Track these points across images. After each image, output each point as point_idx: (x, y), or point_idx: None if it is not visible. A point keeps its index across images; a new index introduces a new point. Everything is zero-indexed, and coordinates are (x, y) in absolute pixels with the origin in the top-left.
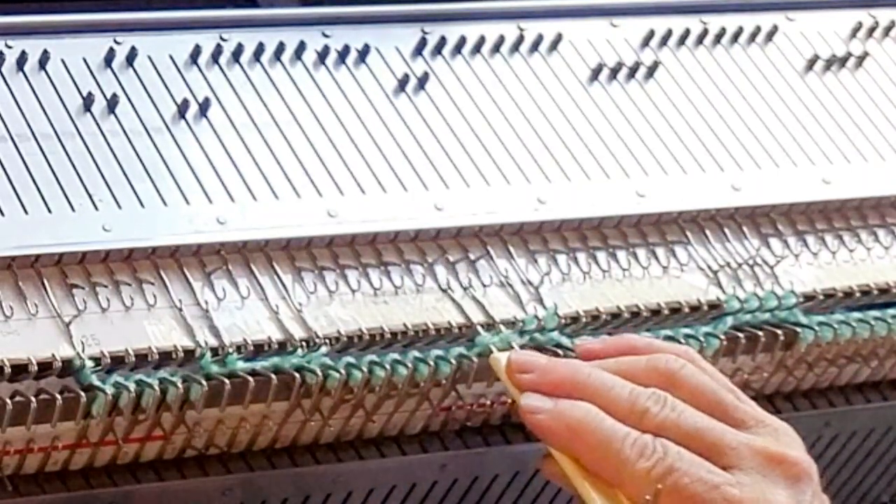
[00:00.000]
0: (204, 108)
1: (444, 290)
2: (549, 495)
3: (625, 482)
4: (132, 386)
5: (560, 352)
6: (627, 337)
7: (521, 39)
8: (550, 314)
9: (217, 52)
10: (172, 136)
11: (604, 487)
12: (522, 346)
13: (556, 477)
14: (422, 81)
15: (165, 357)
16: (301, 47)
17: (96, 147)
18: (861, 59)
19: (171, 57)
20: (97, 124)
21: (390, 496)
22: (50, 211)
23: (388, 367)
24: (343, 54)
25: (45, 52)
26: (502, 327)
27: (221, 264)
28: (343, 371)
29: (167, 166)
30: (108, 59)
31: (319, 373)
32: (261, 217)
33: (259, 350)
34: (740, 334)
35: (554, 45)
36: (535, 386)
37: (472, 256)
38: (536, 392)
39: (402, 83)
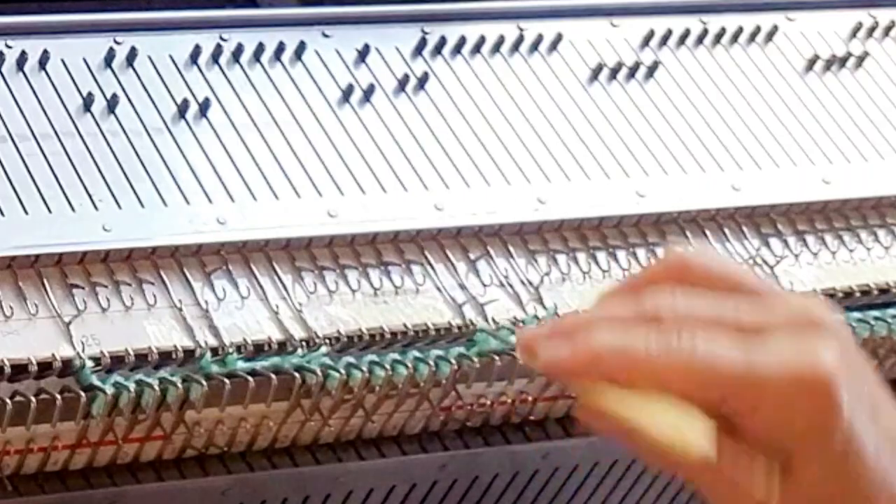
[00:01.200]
0: (204, 108)
1: (444, 291)
2: (549, 495)
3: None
4: (132, 386)
5: None
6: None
7: (521, 39)
8: (550, 314)
9: (217, 52)
10: (172, 136)
11: (646, 400)
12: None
13: (596, 416)
14: (422, 81)
15: (165, 357)
16: (301, 47)
17: (96, 147)
18: (861, 59)
19: (171, 57)
20: (97, 124)
21: (390, 496)
22: (50, 211)
23: (388, 367)
24: (343, 54)
25: (45, 52)
26: (502, 327)
27: (221, 264)
28: (343, 371)
29: (167, 166)
30: (108, 59)
31: (319, 373)
32: (261, 217)
33: (259, 350)
34: None
35: (554, 45)
36: (545, 341)
37: (472, 256)
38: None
39: (402, 83)
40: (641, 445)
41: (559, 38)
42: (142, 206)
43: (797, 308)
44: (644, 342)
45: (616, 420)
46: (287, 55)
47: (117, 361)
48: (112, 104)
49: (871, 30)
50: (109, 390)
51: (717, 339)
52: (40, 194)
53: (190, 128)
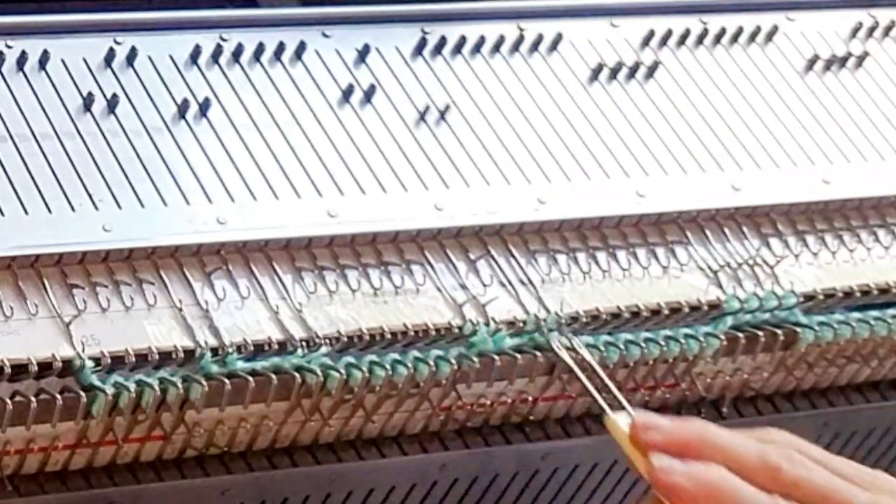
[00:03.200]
0: (204, 108)
1: (444, 291)
2: (550, 495)
3: None
4: (132, 386)
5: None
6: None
7: (521, 39)
8: (552, 315)
9: (217, 52)
10: (172, 136)
11: None
12: (522, 347)
13: None
14: (422, 82)
15: (165, 357)
16: (301, 47)
17: (96, 147)
18: (861, 59)
19: (171, 57)
20: (97, 124)
21: (390, 496)
22: (50, 211)
23: (388, 367)
24: (343, 54)
25: (45, 52)
26: (502, 327)
27: (221, 264)
28: (343, 371)
29: (167, 166)
30: (108, 59)
31: (319, 373)
32: (261, 217)
33: (259, 350)
34: (740, 334)
35: (554, 45)
36: (662, 446)
37: (472, 256)
38: (664, 452)
39: (402, 83)
40: None
41: (559, 38)
42: (142, 206)
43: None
44: (756, 499)
45: None
46: (287, 55)
47: (117, 361)
48: (112, 104)
49: (871, 30)
50: (109, 390)
51: None
52: (40, 194)
53: (190, 128)
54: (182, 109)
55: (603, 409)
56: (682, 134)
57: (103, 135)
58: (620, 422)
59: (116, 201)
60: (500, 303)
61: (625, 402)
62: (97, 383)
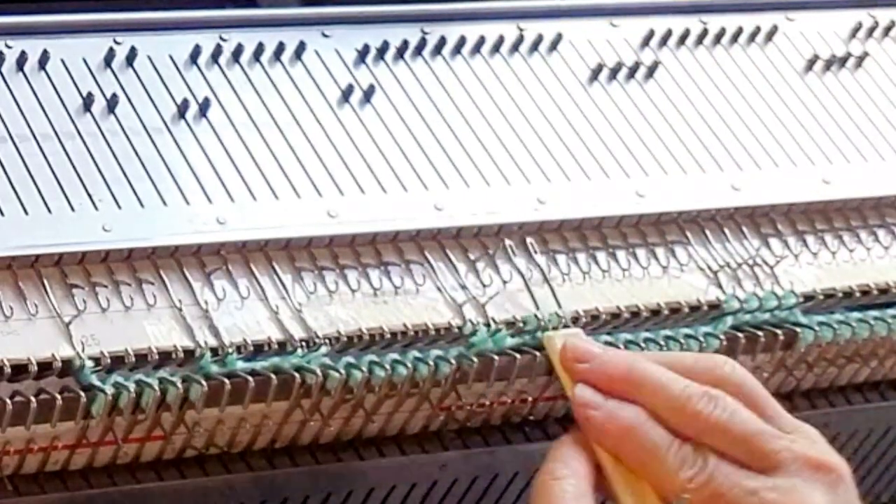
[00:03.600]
0: (204, 108)
1: (444, 291)
2: None
3: (664, 486)
4: (132, 386)
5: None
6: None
7: (521, 39)
8: (552, 314)
9: (217, 52)
10: (172, 136)
11: (631, 478)
12: (521, 347)
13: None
14: (421, 81)
15: (165, 357)
16: (301, 47)
17: (96, 147)
18: (861, 59)
19: (171, 57)
20: (97, 124)
21: (390, 496)
22: (50, 211)
23: (388, 367)
24: (343, 54)
25: (45, 52)
26: (502, 327)
27: (221, 264)
28: (343, 371)
29: (167, 166)
30: (108, 59)
31: (319, 373)
32: (261, 217)
33: (259, 350)
34: (740, 334)
35: (554, 45)
36: (589, 376)
37: (472, 256)
38: (588, 383)
39: (402, 83)
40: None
41: (559, 38)
42: (142, 206)
43: (811, 453)
44: (667, 450)
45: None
46: (287, 55)
47: (117, 361)
48: (112, 104)
49: (871, 30)
50: (109, 390)
51: (732, 473)
52: (40, 194)
53: (190, 128)
54: (182, 109)
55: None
56: (682, 134)
57: (103, 135)
58: (557, 342)
59: (116, 201)
60: (500, 303)
61: (600, 350)
62: (97, 383)
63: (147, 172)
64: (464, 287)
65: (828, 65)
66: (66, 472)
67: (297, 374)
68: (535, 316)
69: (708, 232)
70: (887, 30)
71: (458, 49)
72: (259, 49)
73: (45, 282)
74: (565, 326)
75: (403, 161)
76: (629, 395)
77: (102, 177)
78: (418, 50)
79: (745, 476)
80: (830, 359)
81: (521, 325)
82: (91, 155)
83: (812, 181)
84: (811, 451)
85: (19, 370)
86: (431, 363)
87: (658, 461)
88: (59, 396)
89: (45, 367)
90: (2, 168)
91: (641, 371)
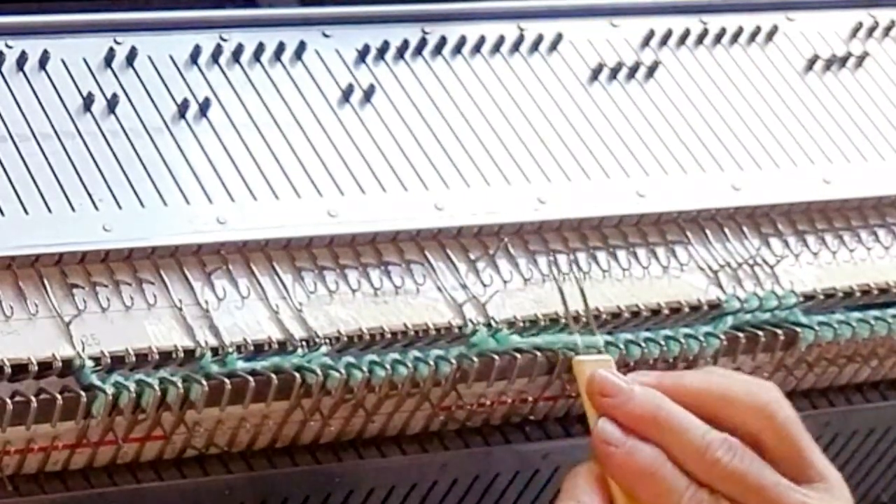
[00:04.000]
0: (204, 108)
1: (444, 291)
2: (550, 495)
3: None
4: (132, 386)
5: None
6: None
7: (521, 39)
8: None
9: (217, 52)
10: (172, 136)
11: None
12: (522, 347)
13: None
14: (422, 81)
15: (165, 357)
16: (301, 47)
17: (96, 147)
18: (861, 59)
19: (171, 57)
20: (97, 124)
21: (390, 496)
22: (50, 211)
23: (388, 367)
24: (343, 54)
25: (45, 52)
26: (503, 327)
27: (221, 264)
28: (343, 371)
29: (167, 166)
30: (108, 59)
31: (319, 373)
32: (261, 217)
33: (259, 350)
34: (740, 334)
35: (554, 45)
36: (614, 413)
37: (472, 256)
38: (611, 418)
39: (402, 83)
40: None
41: (559, 38)
42: (142, 206)
43: None
44: (681, 495)
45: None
46: (287, 55)
47: (117, 361)
48: (112, 104)
49: (871, 30)
50: (109, 390)
51: None
52: (40, 194)
53: (190, 128)
54: (182, 109)
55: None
56: (682, 134)
57: (103, 135)
58: (586, 368)
59: (116, 201)
60: (501, 302)
61: (626, 387)
62: (97, 383)
63: (147, 172)
64: (464, 287)
65: (828, 65)
66: (66, 472)
67: (297, 374)
68: (536, 315)
69: (708, 232)
70: (887, 30)
71: (458, 49)
72: (259, 49)
73: (46, 282)
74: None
75: (403, 161)
76: (650, 434)
77: (103, 177)
78: (418, 50)
79: None
80: (830, 359)
81: (521, 324)
82: (91, 155)
83: (812, 181)
84: None
85: (19, 370)
86: (432, 363)
87: (672, 503)
88: (59, 396)
89: (45, 367)
90: (2, 168)
91: (666, 414)
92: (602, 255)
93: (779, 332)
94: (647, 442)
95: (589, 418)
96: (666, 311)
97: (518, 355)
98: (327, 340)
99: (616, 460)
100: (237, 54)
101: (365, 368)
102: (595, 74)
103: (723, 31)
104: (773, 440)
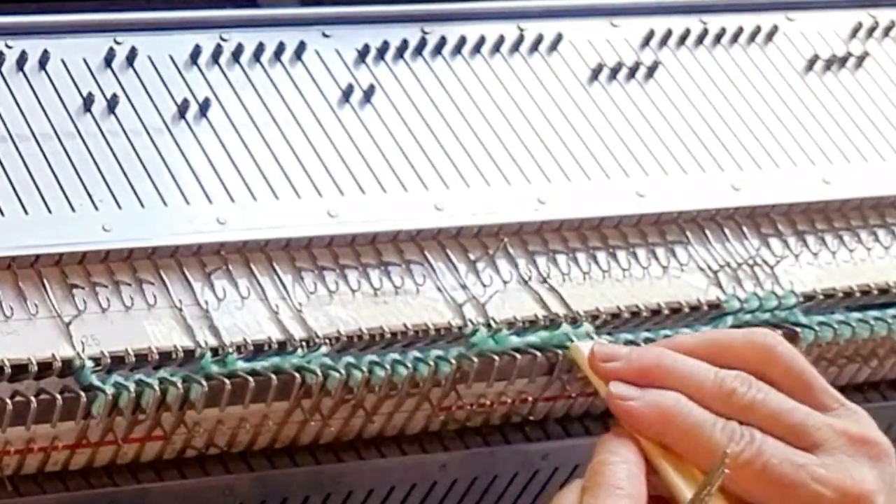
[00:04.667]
0: (204, 108)
1: (444, 291)
2: (550, 495)
3: (713, 464)
4: (132, 386)
5: (560, 352)
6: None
7: (521, 39)
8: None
9: (217, 52)
10: (172, 136)
11: (679, 463)
12: (522, 347)
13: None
14: (422, 81)
15: (165, 357)
16: (301, 47)
17: (96, 147)
18: (861, 59)
19: (171, 57)
20: (97, 124)
21: (390, 496)
22: (50, 211)
23: (388, 367)
24: (343, 54)
25: (45, 52)
26: (502, 327)
27: (221, 264)
28: (343, 371)
29: (167, 166)
30: (108, 59)
31: (319, 373)
32: (261, 217)
33: (259, 350)
34: None
35: (554, 45)
36: (620, 374)
37: (472, 256)
38: (621, 380)
39: (402, 83)
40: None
41: (559, 38)
42: (142, 206)
43: (853, 430)
44: (713, 427)
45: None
46: (287, 55)
47: (117, 361)
48: (112, 104)
49: (871, 30)
50: (109, 390)
51: (780, 447)
52: (40, 194)
53: (190, 128)
54: (182, 109)
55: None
56: (682, 134)
57: (103, 135)
58: (583, 349)
59: (116, 201)
60: (500, 303)
61: (628, 349)
62: (97, 383)
63: (147, 172)
64: (464, 287)
65: (828, 65)
66: (66, 472)
67: (297, 374)
68: (536, 315)
69: (708, 232)
70: (887, 30)
71: (458, 49)
72: (259, 49)
73: (46, 282)
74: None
75: (403, 161)
76: (661, 384)
77: (103, 177)
78: (418, 50)
79: (793, 451)
80: (830, 359)
81: (521, 324)
82: (91, 155)
83: (812, 181)
84: (853, 427)
85: (19, 370)
86: (431, 363)
87: (704, 439)
88: (59, 396)
89: (45, 367)
90: (2, 168)
91: (671, 360)
92: (602, 256)
93: (779, 332)
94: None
95: (599, 390)
96: (666, 311)
97: (518, 355)
98: (327, 340)
99: (637, 412)
100: (237, 54)
101: (365, 368)
102: (595, 74)
103: (723, 31)
104: (780, 374)
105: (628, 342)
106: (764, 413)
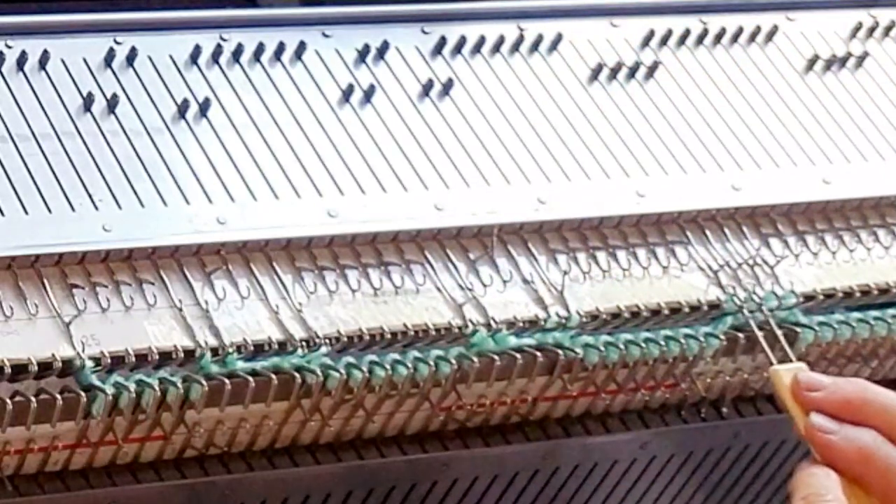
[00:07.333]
0: (204, 108)
1: (444, 291)
2: (550, 495)
3: None
4: (132, 386)
5: (560, 352)
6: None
7: (521, 39)
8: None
9: (217, 52)
10: (172, 136)
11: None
12: (522, 347)
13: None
14: (421, 81)
15: (165, 357)
16: (301, 47)
17: (96, 147)
18: (861, 59)
19: (171, 57)
20: (97, 124)
21: (390, 496)
22: (50, 211)
23: (388, 367)
24: (343, 54)
25: (45, 52)
26: (502, 328)
27: (221, 264)
28: (343, 371)
29: (167, 166)
30: (108, 59)
31: (319, 373)
32: (261, 217)
33: (259, 350)
34: (740, 334)
35: (554, 45)
36: (822, 405)
37: (472, 256)
38: (821, 411)
39: (402, 83)
40: None
41: (559, 38)
42: (142, 206)
43: None
44: None
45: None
46: (287, 55)
47: (117, 361)
48: (112, 104)
49: (871, 30)
50: (109, 390)
51: None
52: (40, 194)
53: (190, 128)
54: (182, 109)
55: (770, 360)
56: (682, 134)
57: (103, 135)
58: (784, 376)
59: (116, 201)
60: (501, 303)
61: (793, 357)
62: (97, 383)
63: (147, 172)
64: (464, 287)
65: (828, 65)
66: (66, 472)
67: (297, 374)
68: (536, 315)
69: (708, 232)
70: (887, 30)
71: (458, 49)
72: (259, 49)
73: (46, 282)
74: (565, 326)
75: (403, 161)
76: (862, 418)
77: (103, 177)
78: (418, 50)
79: None
80: (830, 359)
81: (520, 324)
82: (91, 155)
83: (812, 181)
84: None
85: (19, 370)
86: (432, 363)
87: None
88: (59, 396)
89: (45, 367)
90: (2, 168)
91: (873, 395)
92: (602, 255)
93: (779, 332)
94: (861, 427)
95: (795, 419)
96: (666, 311)
97: (518, 355)
98: (327, 340)
99: (836, 447)
100: (237, 54)
101: (365, 368)
102: (595, 74)
103: (723, 31)
104: None
105: (628, 342)
106: None
